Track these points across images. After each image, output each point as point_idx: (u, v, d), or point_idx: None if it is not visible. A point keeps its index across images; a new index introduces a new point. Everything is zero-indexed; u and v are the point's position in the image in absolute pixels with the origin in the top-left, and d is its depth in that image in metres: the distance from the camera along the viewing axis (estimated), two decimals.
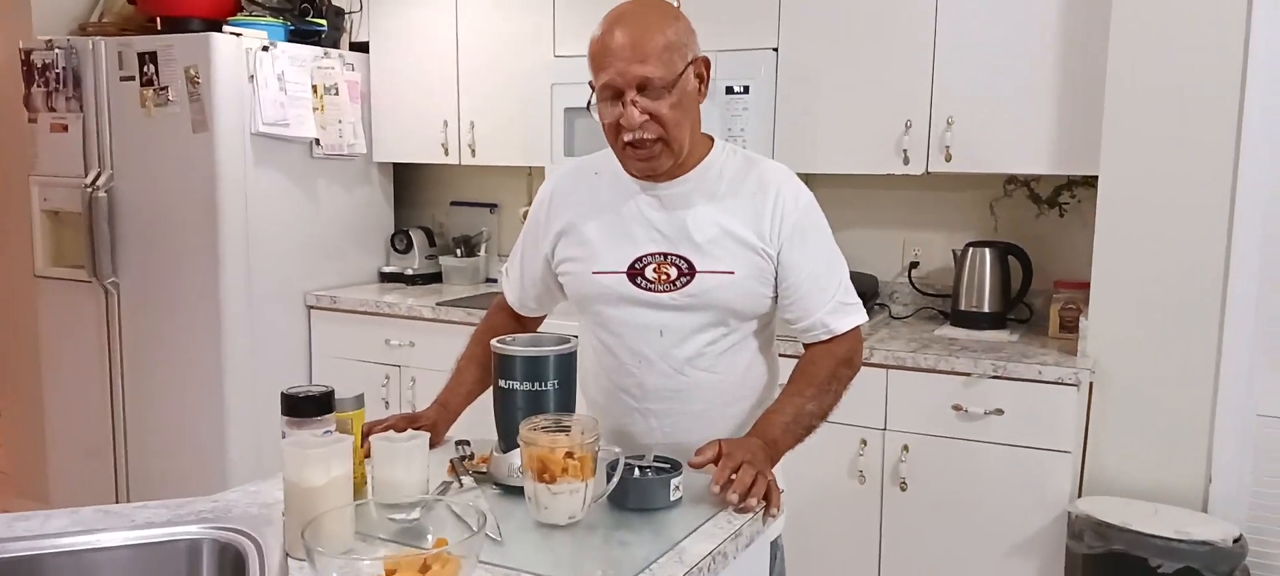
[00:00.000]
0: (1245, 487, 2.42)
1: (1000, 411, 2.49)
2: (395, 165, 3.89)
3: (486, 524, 1.18)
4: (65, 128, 3.43)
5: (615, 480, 1.39)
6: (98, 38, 3.39)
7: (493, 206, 3.92)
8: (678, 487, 1.43)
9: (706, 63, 1.61)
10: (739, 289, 1.61)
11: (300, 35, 3.47)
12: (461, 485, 1.50)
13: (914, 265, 3.17)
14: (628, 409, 1.69)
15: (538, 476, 1.32)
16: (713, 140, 1.68)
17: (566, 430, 1.36)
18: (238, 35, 3.24)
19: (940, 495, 2.58)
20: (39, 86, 3.45)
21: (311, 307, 3.55)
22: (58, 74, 3.39)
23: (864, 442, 2.64)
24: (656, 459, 1.47)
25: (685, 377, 1.65)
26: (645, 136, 1.54)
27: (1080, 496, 2.51)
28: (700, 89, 1.61)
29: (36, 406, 3.74)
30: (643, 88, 1.52)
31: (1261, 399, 2.40)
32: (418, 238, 3.81)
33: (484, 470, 1.53)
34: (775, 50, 2.95)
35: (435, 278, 3.83)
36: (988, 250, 2.89)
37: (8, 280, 3.92)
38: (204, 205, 3.23)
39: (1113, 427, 2.51)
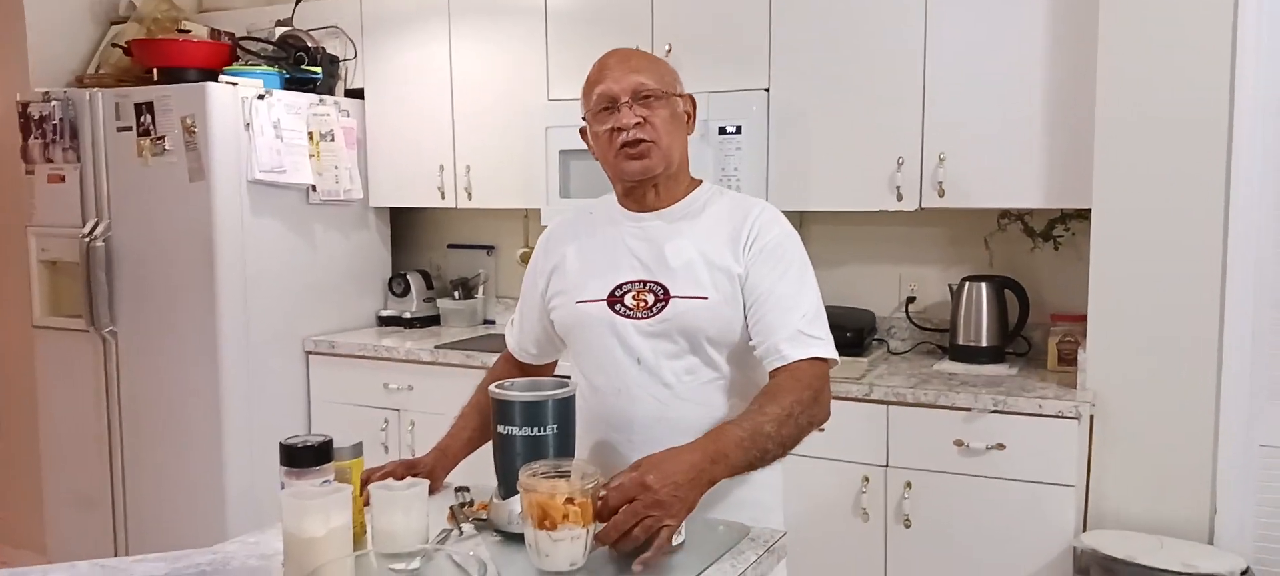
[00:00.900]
0: (1250, 518, 2.41)
1: (1001, 446, 2.49)
2: (392, 209, 3.90)
3: (487, 572, 1.17)
4: (62, 178, 3.44)
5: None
6: (95, 89, 3.41)
7: (490, 249, 3.93)
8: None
9: (693, 101, 1.70)
10: (712, 314, 1.61)
11: (295, 83, 3.50)
12: (461, 532, 1.49)
13: (911, 300, 3.17)
14: (616, 443, 1.67)
15: (538, 523, 1.31)
16: (701, 182, 1.72)
17: (566, 475, 1.36)
18: (233, 84, 3.26)
19: (945, 531, 2.56)
20: (36, 138, 3.46)
21: (310, 353, 3.54)
22: (55, 125, 3.41)
23: (866, 479, 2.63)
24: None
25: (666, 408, 1.63)
26: (640, 136, 1.60)
27: (1085, 530, 2.50)
28: (689, 122, 1.69)
29: (34, 456, 3.72)
30: (637, 94, 1.60)
31: (1263, 429, 2.39)
32: (415, 281, 3.82)
33: (484, 517, 1.52)
34: (767, 91, 2.97)
35: (433, 321, 3.82)
36: (984, 284, 2.89)
37: (6, 330, 3.92)
38: (201, 253, 3.24)
39: (1115, 460, 2.50)
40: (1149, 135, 2.43)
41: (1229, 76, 2.33)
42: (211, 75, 3.31)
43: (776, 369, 1.57)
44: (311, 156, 3.45)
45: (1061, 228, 2.98)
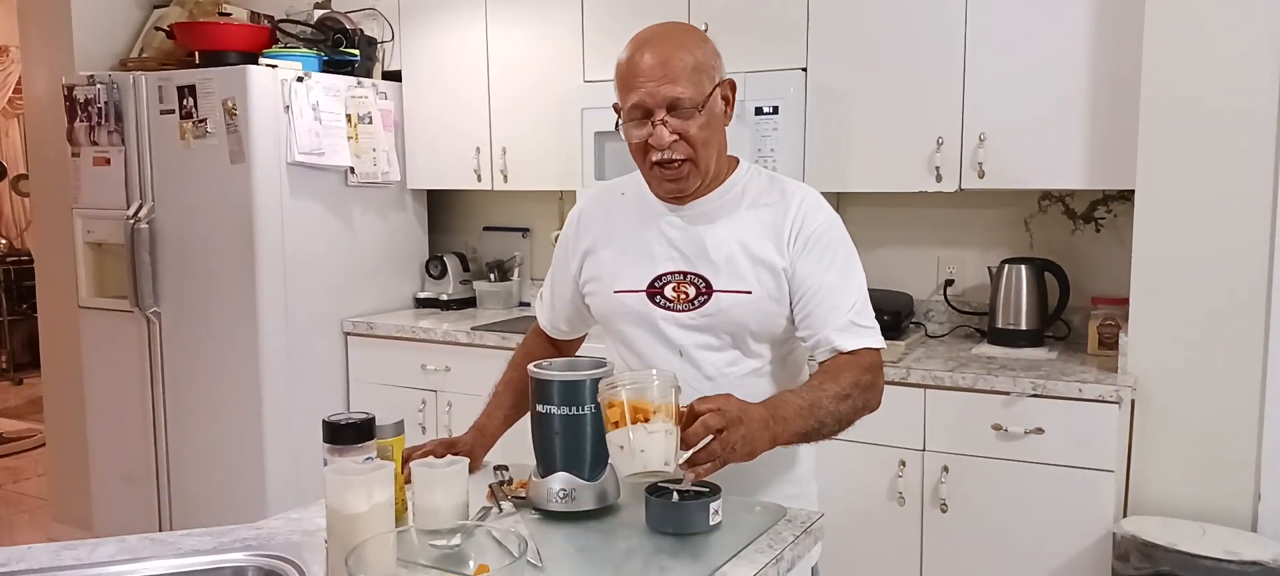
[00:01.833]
0: None
1: (1041, 430, 2.46)
2: (429, 191, 3.93)
3: (527, 549, 1.18)
4: (107, 161, 3.50)
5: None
6: (138, 72, 3.46)
7: (525, 231, 3.94)
8: (717, 511, 1.42)
9: (732, 85, 1.62)
10: (755, 309, 1.59)
11: (334, 66, 3.53)
12: (501, 510, 1.51)
13: (949, 283, 3.15)
14: None
15: (631, 419, 1.30)
16: (738, 161, 1.68)
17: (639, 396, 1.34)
18: (273, 67, 3.30)
19: (982, 516, 2.55)
20: (81, 121, 3.52)
21: (348, 334, 3.58)
22: (100, 109, 3.46)
23: (903, 464, 2.62)
24: (694, 483, 1.46)
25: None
26: (674, 156, 1.55)
27: (1125, 516, 2.47)
28: (726, 111, 1.61)
29: (80, 435, 3.80)
30: (672, 107, 1.53)
31: None
32: (452, 263, 3.84)
33: (523, 495, 1.54)
34: (804, 70, 2.95)
35: (470, 302, 3.85)
36: (1024, 267, 2.86)
37: (52, 311, 4.00)
38: (242, 234, 3.28)
39: (1156, 445, 2.47)
40: (1194, 115, 2.38)
41: (1277, 59, 2.28)
42: (252, 58, 3.34)
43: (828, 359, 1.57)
44: (350, 138, 3.48)
45: (1103, 209, 2.94)
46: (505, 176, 3.55)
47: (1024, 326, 2.85)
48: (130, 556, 1.35)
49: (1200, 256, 2.40)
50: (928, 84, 2.80)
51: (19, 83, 6.66)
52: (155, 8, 3.92)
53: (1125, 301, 2.55)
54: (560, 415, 1.46)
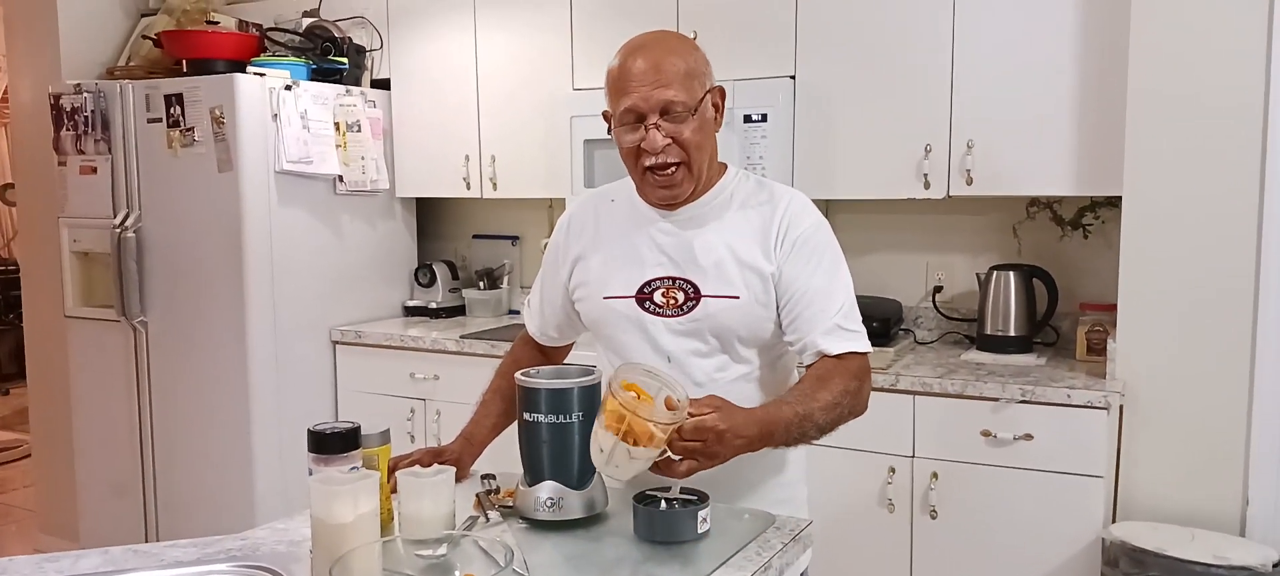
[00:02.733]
0: None
1: (1029, 437, 2.47)
2: (418, 199, 3.92)
3: (514, 558, 1.18)
4: (94, 170, 3.48)
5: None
6: (125, 81, 3.44)
7: (514, 239, 3.94)
8: (705, 520, 1.42)
9: (722, 92, 1.63)
10: (743, 314, 1.59)
11: (322, 74, 3.52)
12: (488, 519, 1.50)
13: (938, 289, 3.15)
14: None
15: (622, 436, 1.30)
16: (726, 167, 1.68)
17: (661, 394, 1.35)
18: (261, 75, 3.29)
19: (971, 522, 2.55)
20: (68, 130, 3.51)
21: (337, 342, 3.57)
22: (86, 117, 3.45)
23: (892, 470, 2.62)
24: (683, 491, 1.46)
25: None
26: (668, 160, 1.55)
27: (1114, 522, 2.47)
28: (717, 118, 1.62)
29: (67, 445, 3.77)
30: (665, 112, 1.54)
31: None
32: (441, 271, 3.84)
33: (510, 504, 1.53)
34: (793, 78, 2.95)
35: (459, 311, 3.84)
36: (1012, 273, 2.87)
37: (39, 321, 3.97)
38: (230, 243, 3.27)
39: (1145, 451, 2.47)
40: (1182, 120, 2.39)
41: (1265, 60, 2.29)
42: (240, 66, 3.33)
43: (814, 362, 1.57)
44: (338, 147, 3.47)
45: (1091, 216, 2.95)
46: (494, 184, 3.55)
47: (1013, 332, 2.86)
48: (114, 568, 1.34)
49: (1188, 262, 2.41)
50: (915, 91, 2.80)
51: (5, 91, 6.62)
52: (143, 16, 3.91)
53: (1113, 307, 2.56)
54: (547, 423, 1.46)
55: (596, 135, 3.02)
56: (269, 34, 3.55)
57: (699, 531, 1.41)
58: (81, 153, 3.49)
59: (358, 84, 3.64)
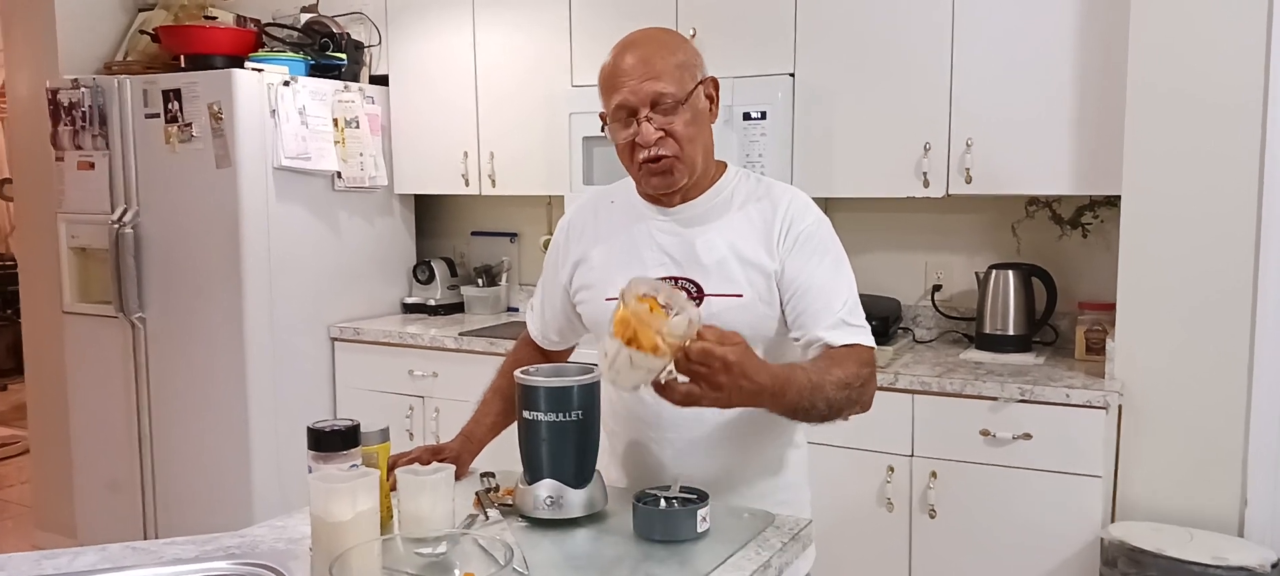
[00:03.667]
0: None
1: (1028, 436, 2.47)
2: (416, 196, 3.92)
3: (514, 556, 1.18)
4: (92, 165, 3.47)
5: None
6: (123, 76, 3.44)
7: (513, 236, 3.93)
8: (705, 519, 1.41)
9: (716, 83, 1.63)
10: (748, 312, 1.59)
11: (321, 70, 3.51)
12: (487, 517, 1.50)
13: (937, 288, 3.15)
14: (645, 437, 1.67)
15: (628, 340, 1.27)
16: (726, 166, 1.68)
17: (664, 310, 1.31)
18: (259, 71, 3.28)
19: (970, 522, 2.55)
20: (66, 125, 3.50)
21: (335, 339, 3.56)
22: (84, 112, 3.44)
23: (891, 469, 2.62)
24: (682, 490, 1.46)
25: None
26: (661, 153, 1.55)
27: (1112, 522, 2.47)
28: (711, 109, 1.62)
29: (64, 441, 3.77)
30: (655, 104, 1.54)
31: None
32: (439, 268, 3.83)
33: (509, 502, 1.53)
34: (792, 76, 2.95)
35: (457, 308, 3.84)
36: (1011, 272, 2.87)
37: (37, 316, 3.97)
38: (228, 239, 3.26)
39: (1144, 451, 2.47)
40: (1181, 118, 2.39)
41: (1264, 58, 2.29)
42: (238, 62, 3.32)
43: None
44: (337, 143, 3.47)
45: (1090, 215, 2.95)
46: (493, 181, 3.54)
47: (1011, 332, 2.86)
48: (112, 565, 1.34)
49: (1186, 261, 2.41)
50: (915, 89, 2.80)
51: (2, 86, 6.61)
52: (140, 11, 3.90)
53: (1112, 307, 2.56)
54: (547, 421, 1.46)
55: (595, 132, 3.01)
56: (267, 29, 3.54)
57: (698, 530, 1.40)
58: (79, 148, 3.48)
59: (356, 80, 3.63)
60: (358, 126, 3.53)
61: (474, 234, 4.01)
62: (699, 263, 1.60)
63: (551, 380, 1.47)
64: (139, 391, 3.51)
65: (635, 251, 1.65)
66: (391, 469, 1.47)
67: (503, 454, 1.72)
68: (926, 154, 2.79)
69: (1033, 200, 3.01)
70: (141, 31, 3.78)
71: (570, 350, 1.91)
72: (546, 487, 1.46)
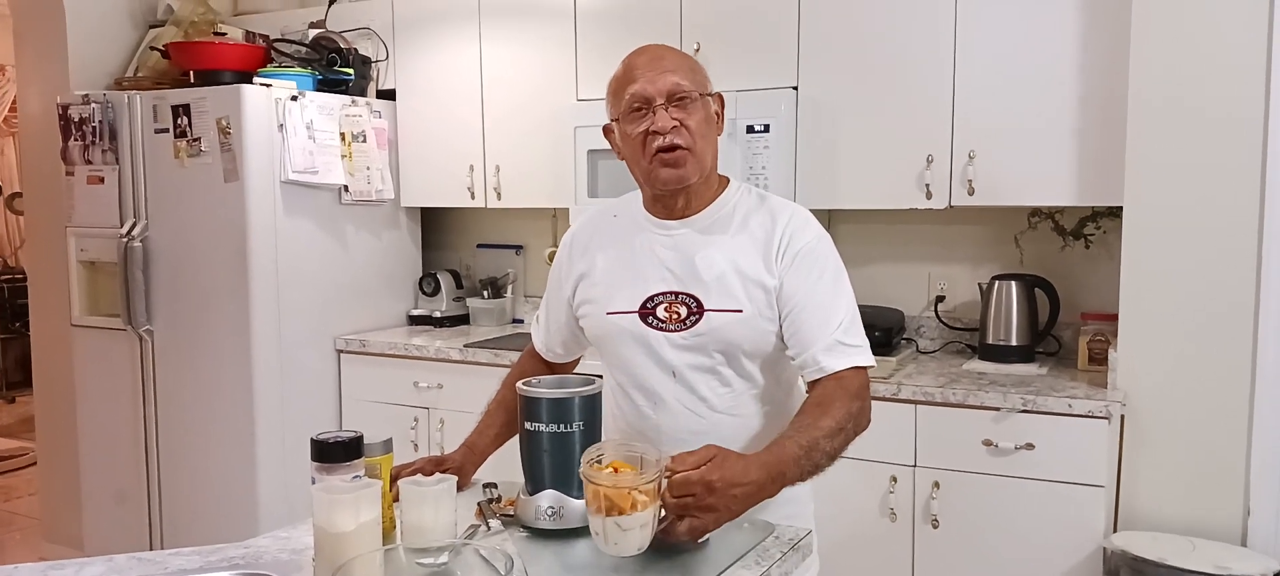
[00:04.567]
0: None
1: (1031, 446, 2.47)
2: (422, 209, 3.94)
3: (515, 568, 1.19)
4: (101, 180, 3.50)
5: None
6: (133, 91, 3.47)
7: (519, 248, 3.95)
8: None
9: (722, 100, 1.66)
10: (747, 327, 1.59)
11: (328, 84, 3.54)
12: (489, 528, 1.51)
13: (940, 299, 3.16)
14: None
15: (606, 513, 1.29)
16: (728, 181, 1.70)
17: (631, 461, 1.34)
18: (268, 86, 3.31)
19: (973, 532, 2.55)
20: (76, 140, 3.53)
21: (341, 351, 3.58)
22: (94, 127, 3.47)
23: (894, 480, 2.62)
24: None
25: (701, 420, 1.63)
26: (677, 142, 1.56)
27: (1115, 531, 2.47)
28: (718, 123, 1.65)
29: (72, 453, 3.79)
30: (672, 96, 1.56)
31: None
32: (445, 280, 3.85)
33: (511, 513, 1.54)
34: (795, 89, 2.97)
35: (463, 320, 3.85)
36: (1014, 283, 2.87)
37: (46, 329, 3.99)
38: (236, 253, 3.29)
39: (1146, 461, 2.47)
40: (1182, 129, 2.40)
41: (1265, 71, 2.30)
42: (246, 77, 3.35)
43: (817, 379, 1.57)
44: (344, 157, 3.49)
45: (1092, 226, 2.95)
46: (499, 194, 3.56)
47: (1014, 342, 2.86)
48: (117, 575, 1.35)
49: (1189, 272, 2.42)
50: (917, 101, 2.81)
51: (14, 101, 6.67)
52: (150, 27, 3.94)
53: (1115, 317, 2.56)
54: (548, 432, 1.47)
55: (600, 145, 3.03)
56: (275, 45, 3.57)
57: (699, 540, 1.41)
58: (89, 162, 3.52)
59: (363, 95, 3.66)
60: (365, 140, 3.55)
61: (479, 246, 4.03)
62: (699, 278, 1.61)
63: (553, 392, 1.49)
64: (146, 403, 3.53)
65: (637, 266, 1.66)
66: (394, 480, 1.48)
67: (505, 465, 1.73)
68: (929, 166, 2.80)
69: (1035, 211, 3.02)
70: (152, 47, 3.81)
71: (575, 362, 1.92)
72: (548, 498, 1.47)
